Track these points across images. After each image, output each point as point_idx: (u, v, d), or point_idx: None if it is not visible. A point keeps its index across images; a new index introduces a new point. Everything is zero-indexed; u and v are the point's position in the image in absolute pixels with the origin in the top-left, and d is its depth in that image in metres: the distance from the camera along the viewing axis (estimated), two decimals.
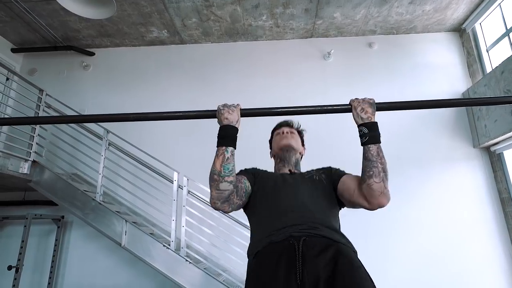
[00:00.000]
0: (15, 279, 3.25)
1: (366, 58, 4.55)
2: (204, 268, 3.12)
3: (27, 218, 3.45)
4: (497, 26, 4.11)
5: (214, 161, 1.16)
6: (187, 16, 4.15)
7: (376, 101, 1.27)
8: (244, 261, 3.20)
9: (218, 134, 1.21)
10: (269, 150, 1.64)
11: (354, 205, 1.22)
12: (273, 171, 1.52)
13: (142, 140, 3.92)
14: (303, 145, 1.59)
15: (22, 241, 3.36)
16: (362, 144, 1.18)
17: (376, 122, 1.20)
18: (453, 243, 3.79)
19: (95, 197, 3.38)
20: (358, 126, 1.21)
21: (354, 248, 1.13)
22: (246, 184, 1.26)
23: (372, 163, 1.14)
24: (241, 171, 1.36)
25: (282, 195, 1.23)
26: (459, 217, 3.87)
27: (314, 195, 1.24)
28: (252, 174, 1.33)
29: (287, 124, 1.58)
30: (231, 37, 4.63)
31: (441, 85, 4.35)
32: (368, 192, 1.13)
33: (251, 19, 4.22)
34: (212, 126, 4.42)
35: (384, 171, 1.12)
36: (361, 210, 1.25)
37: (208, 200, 3.32)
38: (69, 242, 4.07)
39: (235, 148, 1.19)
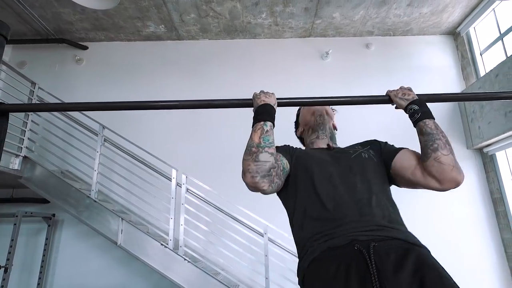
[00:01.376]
0: (3, 279, 3.12)
1: (363, 59, 4.59)
2: (202, 267, 3.07)
3: (17, 216, 3.32)
4: (490, 30, 4.21)
5: (250, 136, 1.03)
6: (185, 11, 4.08)
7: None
8: (242, 259, 3.18)
9: (254, 114, 1.10)
10: (294, 131, 1.45)
11: (416, 185, 1.04)
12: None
13: (139, 137, 3.83)
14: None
15: (12, 240, 3.23)
16: (415, 122, 1.08)
17: (424, 100, 1.11)
18: (446, 242, 3.85)
19: (89, 194, 3.28)
20: (406, 107, 1.12)
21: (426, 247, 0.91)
22: (283, 161, 1.08)
23: (434, 135, 1.01)
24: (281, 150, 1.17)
25: (330, 180, 1.02)
26: (452, 216, 3.94)
27: (368, 179, 1.03)
28: (287, 151, 1.14)
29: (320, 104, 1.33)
30: (229, 34, 4.59)
31: (435, 87, 4.42)
32: (437, 168, 0.96)
33: (251, 16, 4.19)
34: (211, 123, 4.35)
35: (449, 144, 0.99)
36: None
37: (205, 199, 3.29)
38: (59, 241, 3.94)
39: (274, 125, 1.07)
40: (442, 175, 0.96)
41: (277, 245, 3.25)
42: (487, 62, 4.23)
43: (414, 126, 1.10)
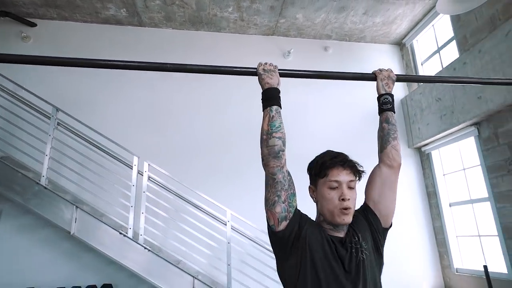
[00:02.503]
0: None
1: (321, 61, 4.87)
2: (163, 256, 3.02)
3: None
4: (430, 44, 4.76)
5: (262, 124, 1.18)
6: None
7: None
8: (205, 246, 3.18)
9: (261, 98, 1.25)
10: (309, 185, 1.22)
11: (381, 185, 1.23)
12: (316, 218, 1.21)
13: (96, 122, 3.62)
14: None
15: None
16: (384, 111, 1.36)
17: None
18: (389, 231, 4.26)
19: (39, 180, 3.04)
20: (382, 95, 1.41)
21: None
22: (293, 198, 1.13)
23: (394, 126, 1.31)
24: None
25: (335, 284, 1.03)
26: (397, 207, 4.36)
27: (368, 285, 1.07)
28: (297, 219, 1.12)
29: (349, 165, 1.13)
30: (193, 25, 4.56)
31: None
32: (393, 154, 1.26)
33: (217, 9, 4.22)
34: (172, 111, 4.27)
35: None
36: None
37: (167, 187, 3.24)
38: None
39: (280, 107, 1.22)
40: (394, 160, 1.25)
41: (240, 233, 3.32)
42: (426, 71, 4.77)
43: (380, 113, 1.38)
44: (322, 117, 4.61)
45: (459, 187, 4.16)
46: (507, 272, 3.38)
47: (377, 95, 1.45)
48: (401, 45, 5.13)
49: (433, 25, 4.59)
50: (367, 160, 4.62)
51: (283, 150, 1.15)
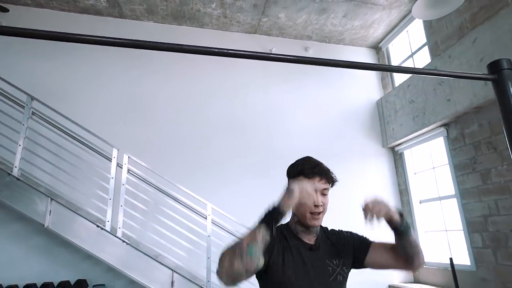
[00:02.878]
0: None
1: None
2: (142, 249, 2.98)
3: None
4: (404, 49, 4.99)
5: (246, 234, 1.02)
6: None
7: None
8: (185, 240, 3.17)
9: (269, 212, 1.02)
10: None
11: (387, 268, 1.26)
12: (289, 219, 1.26)
13: (74, 114, 3.51)
14: None
15: None
16: (403, 236, 1.17)
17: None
18: (364, 227, 4.42)
19: (11, 171, 2.91)
20: (398, 221, 1.17)
21: None
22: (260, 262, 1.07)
23: (418, 246, 1.18)
24: None
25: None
26: None
27: None
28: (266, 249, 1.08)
29: (325, 174, 1.19)
30: (176, 19, 4.53)
31: (361, 92, 5.05)
32: (416, 264, 1.19)
33: (200, 4, 4.22)
34: (154, 104, 4.21)
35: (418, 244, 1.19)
36: None
37: (147, 180, 3.21)
38: None
39: (273, 231, 1.01)
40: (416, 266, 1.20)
41: (220, 227, 3.34)
42: (401, 75, 4.99)
43: (398, 234, 1.18)
44: (300, 116, 4.71)
45: (428, 185, 4.39)
46: (470, 264, 3.61)
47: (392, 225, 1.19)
48: (378, 49, 5.35)
49: (407, 30, 4.83)
50: (342, 158, 4.81)
51: (243, 278, 1.02)
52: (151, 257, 2.95)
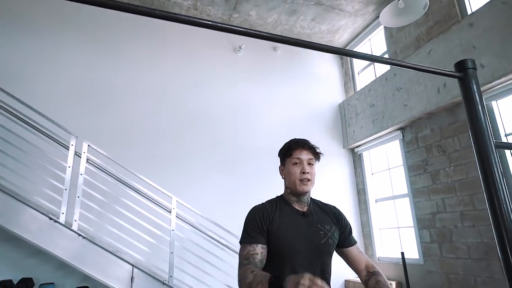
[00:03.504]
0: None
1: (270, 60, 5.05)
2: (101, 244, 2.81)
3: None
4: None
5: (256, 282, 1.06)
6: None
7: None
8: (147, 233, 3.04)
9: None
10: (279, 165, 1.43)
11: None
12: (283, 192, 1.42)
13: (26, 97, 3.21)
14: None
15: None
16: None
17: None
18: None
19: None
20: None
21: None
22: (264, 253, 1.23)
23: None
24: (254, 233, 1.25)
25: (300, 259, 1.24)
26: (331, 202, 4.70)
27: (326, 262, 1.30)
28: (262, 228, 1.26)
29: (308, 146, 1.36)
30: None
31: (325, 95, 5.24)
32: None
33: None
34: (116, 93, 4.00)
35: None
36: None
37: (108, 170, 3.03)
38: None
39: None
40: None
41: (184, 221, 3.26)
42: (362, 80, 5.27)
43: None
44: (267, 115, 4.77)
45: (384, 185, 4.67)
46: (418, 258, 3.89)
47: None
48: None
49: (370, 39, 5.11)
50: None
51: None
52: (109, 252, 2.79)
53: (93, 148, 2.99)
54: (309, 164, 1.34)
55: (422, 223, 3.88)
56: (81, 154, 2.94)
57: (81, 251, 2.74)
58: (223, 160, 4.28)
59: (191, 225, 3.28)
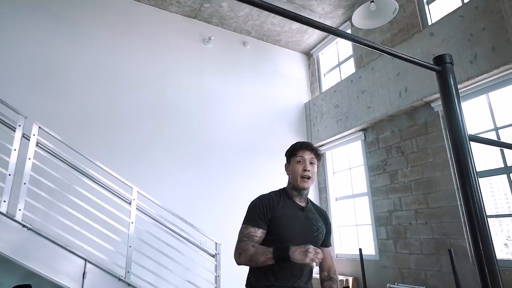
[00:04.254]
0: None
1: (239, 54, 4.99)
2: (48, 236, 2.53)
3: None
4: (332, 58, 5.42)
5: (260, 254, 1.27)
6: None
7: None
8: (103, 226, 2.80)
9: (279, 253, 1.25)
10: (285, 163, 1.61)
11: None
12: (286, 185, 1.60)
13: None
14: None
15: None
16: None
17: None
18: None
19: None
20: None
21: None
22: (262, 238, 1.41)
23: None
24: (258, 218, 1.42)
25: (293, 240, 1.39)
26: None
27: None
28: (266, 215, 1.44)
29: (310, 148, 1.55)
30: None
31: (291, 94, 5.29)
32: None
33: None
34: (72, 75, 3.69)
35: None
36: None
37: (61, 156, 2.76)
38: None
39: (274, 256, 1.26)
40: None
41: (144, 213, 3.07)
42: (328, 81, 5.40)
43: None
44: (236, 109, 4.70)
45: (345, 184, 4.81)
46: (375, 254, 4.06)
47: None
48: (309, 55, 5.69)
49: (336, 42, 5.26)
50: (271, 154, 4.92)
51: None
52: (58, 244, 2.53)
53: (44, 130, 2.70)
54: (311, 163, 1.52)
55: (380, 221, 4.04)
56: (29, 137, 2.64)
57: (24, 244, 2.45)
58: (188, 153, 4.13)
59: (152, 218, 3.09)
